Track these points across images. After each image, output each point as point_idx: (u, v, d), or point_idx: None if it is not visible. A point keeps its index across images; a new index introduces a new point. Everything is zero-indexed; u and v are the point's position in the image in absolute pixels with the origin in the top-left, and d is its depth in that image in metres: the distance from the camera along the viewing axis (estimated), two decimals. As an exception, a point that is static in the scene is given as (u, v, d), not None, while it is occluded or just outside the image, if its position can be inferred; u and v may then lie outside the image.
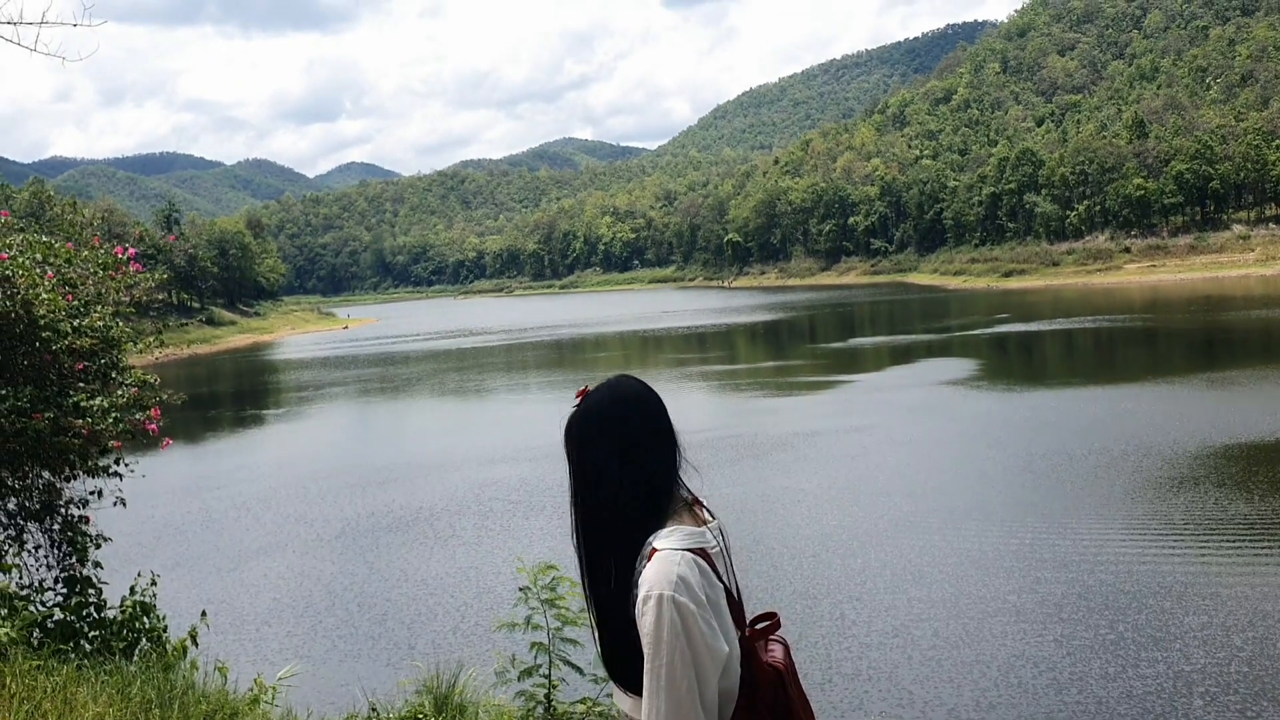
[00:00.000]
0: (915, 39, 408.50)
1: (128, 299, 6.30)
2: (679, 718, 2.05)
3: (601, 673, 6.06)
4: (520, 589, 5.68)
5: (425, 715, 5.33)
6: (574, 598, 5.85)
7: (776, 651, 2.19)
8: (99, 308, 6.11)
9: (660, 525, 2.18)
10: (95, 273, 6.23)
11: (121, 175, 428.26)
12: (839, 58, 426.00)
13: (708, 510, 2.30)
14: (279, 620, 15.98)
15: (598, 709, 5.92)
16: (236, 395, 57.11)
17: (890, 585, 15.61)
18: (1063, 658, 12.58)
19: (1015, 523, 18.31)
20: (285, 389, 57.56)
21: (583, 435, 2.28)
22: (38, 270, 5.82)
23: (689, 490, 2.27)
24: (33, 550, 6.27)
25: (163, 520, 22.84)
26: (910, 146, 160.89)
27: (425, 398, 47.19)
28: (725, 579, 2.18)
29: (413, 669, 6.16)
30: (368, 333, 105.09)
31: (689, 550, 2.12)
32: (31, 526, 6.20)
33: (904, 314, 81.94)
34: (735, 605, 2.19)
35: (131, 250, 6.32)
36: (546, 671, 5.93)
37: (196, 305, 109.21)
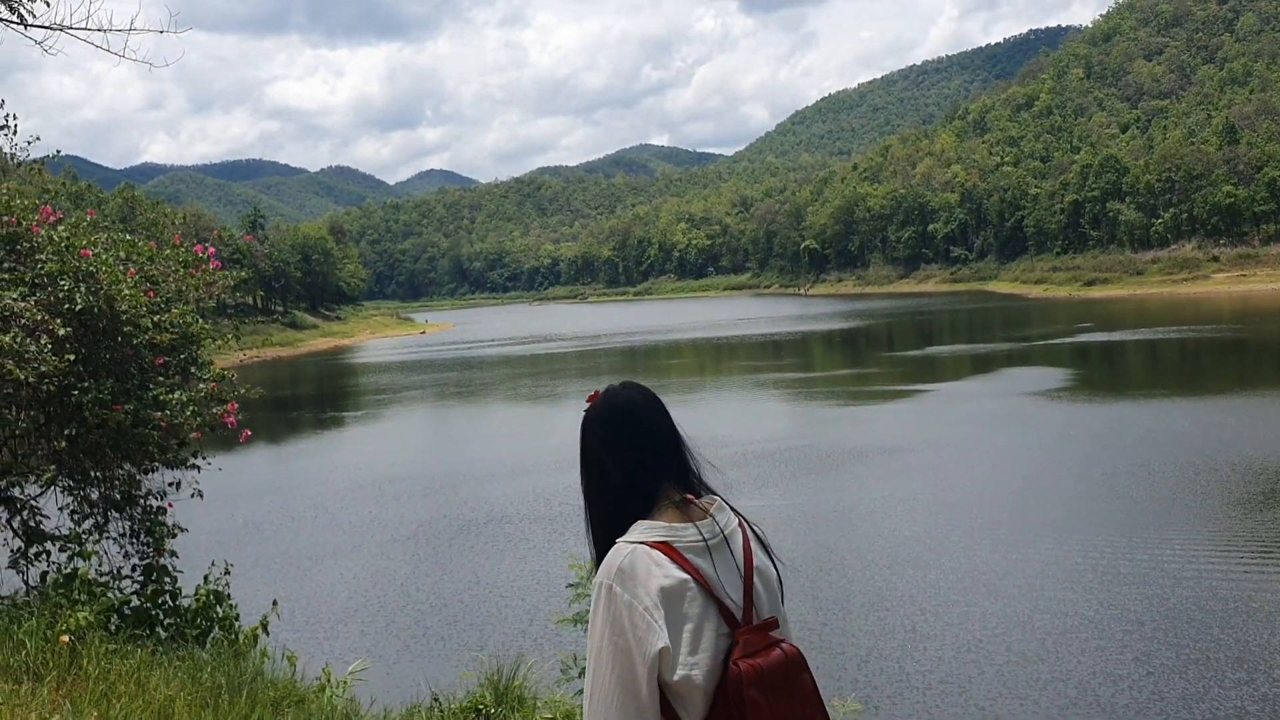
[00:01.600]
0: (997, 44, 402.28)
1: (206, 296, 6.46)
2: (603, 704, 2.10)
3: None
4: (568, 585, 5.68)
5: (485, 706, 5.36)
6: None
7: (765, 655, 2.16)
8: (179, 304, 6.28)
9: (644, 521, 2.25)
10: (176, 270, 6.41)
11: (210, 181, 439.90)
12: (919, 63, 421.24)
13: (704, 507, 2.30)
14: (351, 617, 16.24)
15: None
16: (317, 397, 58.20)
17: (963, 598, 15.33)
18: (1143, 677, 12.23)
19: (1094, 537, 17.86)
20: (364, 392, 58.54)
21: (580, 439, 2.36)
22: (120, 267, 6.00)
23: (680, 490, 2.30)
24: (116, 538, 6.47)
25: (243, 517, 23.36)
26: (991, 153, 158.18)
27: (499, 403, 47.65)
28: (710, 572, 2.19)
29: (475, 662, 6.21)
30: (444, 338, 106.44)
31: (646, 543, 2.16)
32: (113, 515, 6.40)
33: (983, 322, 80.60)
34: (727, 602, 2.19)
35: (211, 249, 6.49)
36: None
37: (280, 309, 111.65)
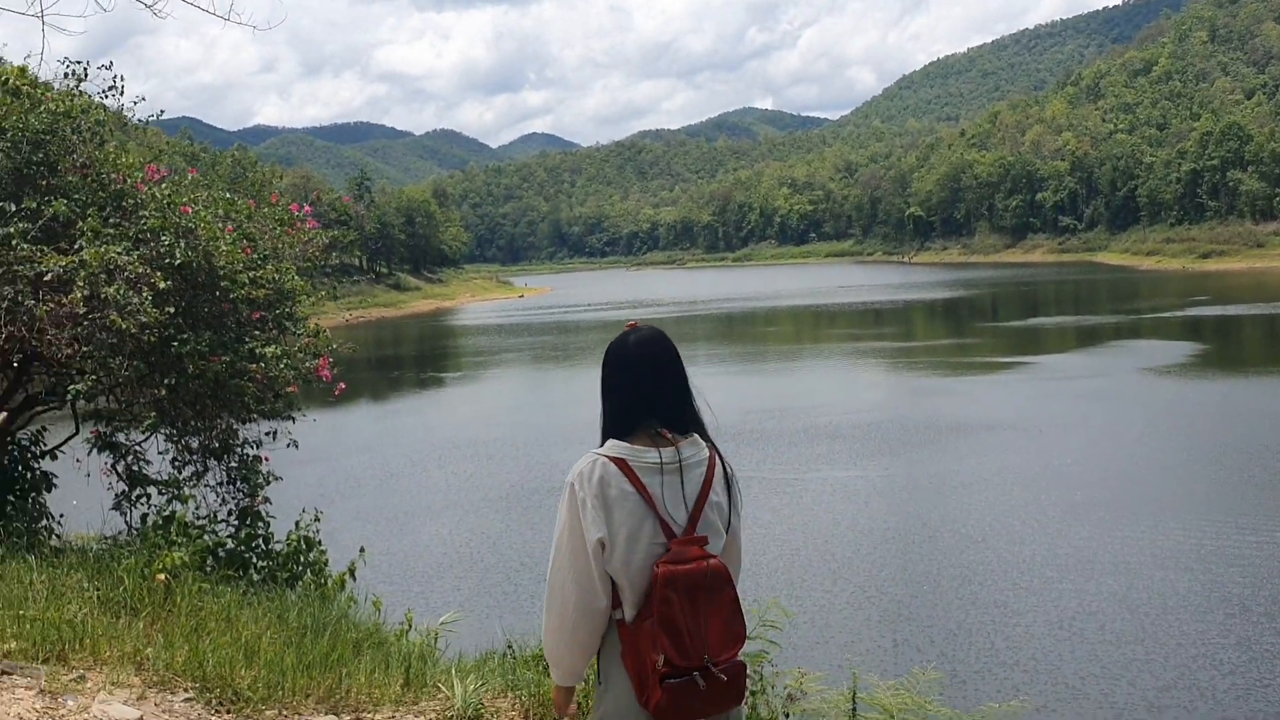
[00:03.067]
0: (1114, 7, 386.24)
1: (301, 254, 6.65)
2: (558, 571, 2.62)
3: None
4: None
5: None
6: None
7: (688, 565, 2.55)
8: (275, 261, 6.47)
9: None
10: (273, 228, 6.60)
11: (319, 144, 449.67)
12: (1032, 27, 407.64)
13: (673, 440, 2.67)
14: (447, 571, 16.67)
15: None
16: (419, 358, 59.38)
17: (1057, 575, 15.04)
18: (1246, 662, 11.86)
19: (1198, 517, 17.31)
20: (463, 353, 59.58)
21: (602, 363, 2.84)
22: (219, 224, 6.21)
23: (662, 425, 2.68)
24: (214, 485, 6.76)
25: (344, 472, 24.07)
26: (1104, 120, 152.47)
27: (594, 366, 47.96)
28: (656, 491, 2.61)
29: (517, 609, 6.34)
30: (542, 301, 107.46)
31: (609, 457, 2.63)
32: (211, 463, 6.67)
33: (1091, 294, 78.23)
34: (665, 516, 2.60)
35: (308, 208, 6.67)
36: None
37: (385, 271, 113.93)
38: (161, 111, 7.05)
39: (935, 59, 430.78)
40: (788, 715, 5.14)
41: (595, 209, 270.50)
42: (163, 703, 3.93)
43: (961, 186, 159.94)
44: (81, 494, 7.45)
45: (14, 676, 3.91)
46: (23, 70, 7.01)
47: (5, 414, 6.53)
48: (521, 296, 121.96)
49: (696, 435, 2.72)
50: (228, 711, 3.99)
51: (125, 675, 4.09)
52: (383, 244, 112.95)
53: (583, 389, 39.57)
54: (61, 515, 7.31)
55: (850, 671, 6.46)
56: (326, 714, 4.06)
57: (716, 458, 2.72)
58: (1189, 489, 19.34)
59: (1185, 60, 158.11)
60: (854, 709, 6.27)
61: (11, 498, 6.84)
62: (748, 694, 5.44)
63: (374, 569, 14.53)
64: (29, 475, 6.85)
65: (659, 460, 2.62)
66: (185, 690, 4.06)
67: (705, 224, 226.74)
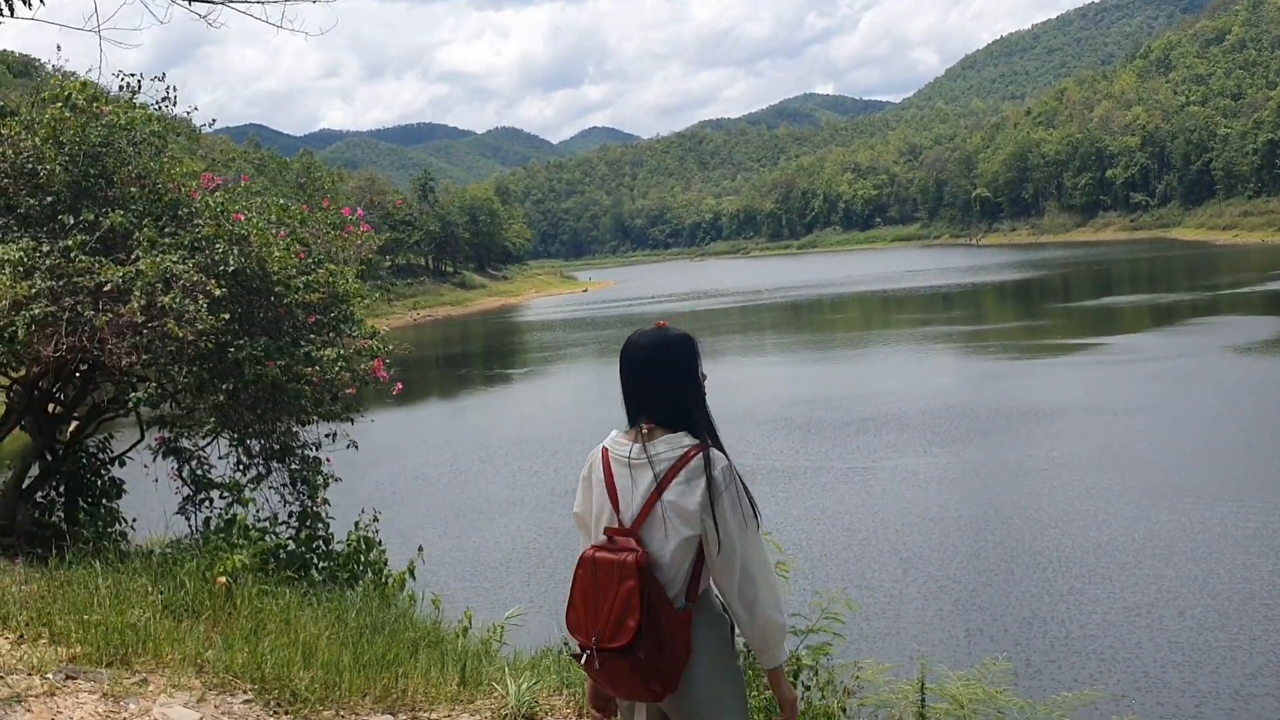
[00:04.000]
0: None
1: (355, 256, 6.72)
2: (580, 524, 2.96)
3: (800, 623, 6.05)
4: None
5: None
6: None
7: (609, 552, 2.72)
8: (329, 264, 6.54)
9: None
10: (326, 232, 6.67)
11: (384, 146, 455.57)
12: (1097, 1, 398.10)
13: (650, 436, 2.81)
14: (515, 567, 16.75)
15: (798, 659, 5.89)
16: (485, 354, 59.86)
17: (1134, 561, 14.68)
18: (1336, 648, 11.46)
19: (1281, 500, 16.78)
20: (529, 349, 59.93)
21: None
22: (271, 230, 6.29)
23: (653, 421, 2.83)
24: (277, 488, 6.86)
25: (412, 471, 24.35)
26: (1176, 92, 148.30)
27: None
28: (621, 481, 2.80)
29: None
30: (606, 295, 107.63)
31: (604, 445, 2.91)
32: (275, 466, 6.77)
33: (1166, 271, 76.26)
34: (620, 505, 2.79)
35: (360, 211, 6.73)
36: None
37: (450, 269, 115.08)
38: (214, 120, 7.15)
39: (998, 37, 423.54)
40: (845, 710, 5.06)
41: (657, 201, 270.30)
42: (222, 705, 3.99)
43: (1029, 166, 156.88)
44: (152, 500, 7.62)
45: (78, 680, 4.00)
46: (85, 85, 7.17)
47: (75, 423, 6.71)
48: (585, 291, 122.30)
49: (683, 433, 2.79)
50: (285, 712, 4.04)
51: (186, 678, 4.16)
52: (447, 243, 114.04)
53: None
54: (134, 520, 7.48)
55: (919, 662, 6.37)
56: (383, 714, 4.09)
57: (698, 458, 2.73)
58: (1270, 471, 18.74)
59: (1260, 27, 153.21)
60: (922, 700, 6.18)
61: (85, 504, 7.02)
62: (806, 692, 5.40)
63: (441, 566, 14.69)
64: (98, 482, 7.02)
65: (627, 454, 2.80)
66: (244, 692, 4.12)
67: (768, 212, 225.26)
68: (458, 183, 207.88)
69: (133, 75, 7.01)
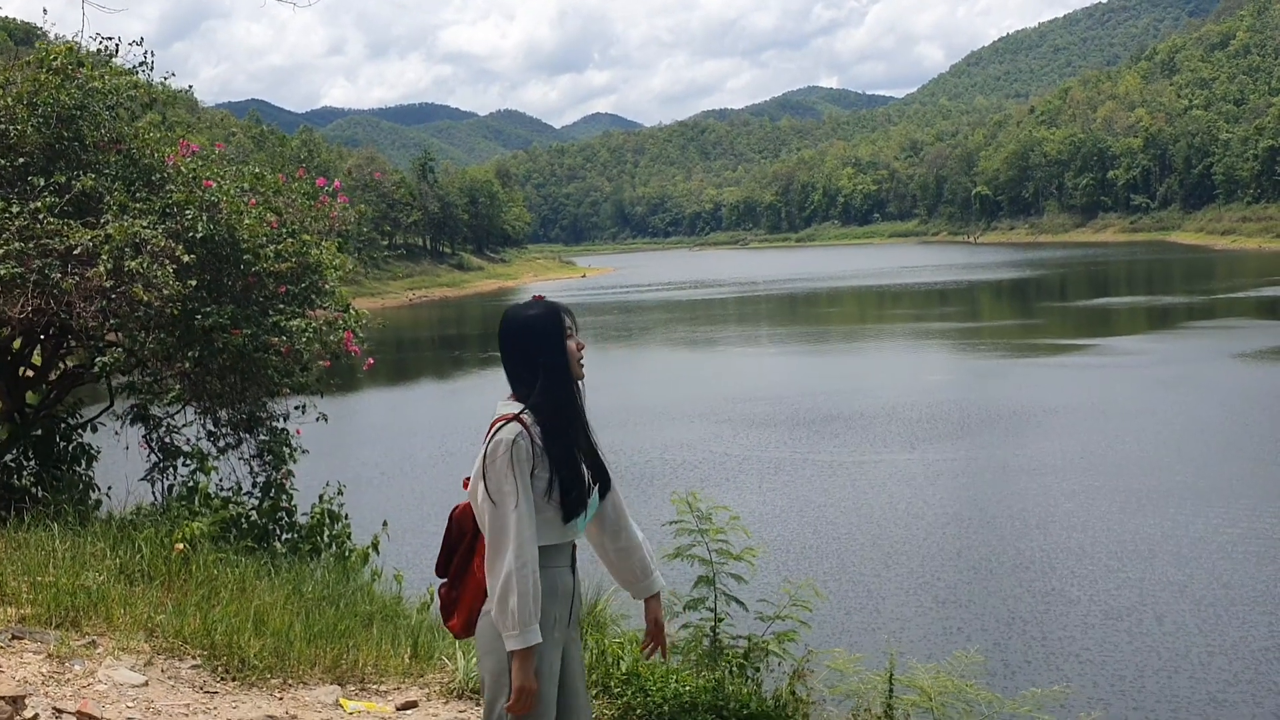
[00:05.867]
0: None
1: (328, 228, 6.66)
2: None
3: (768, 610, 6.07)
4: (667, 523, 5.70)
5: None
6: (734, 532, 5.83)
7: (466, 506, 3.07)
8: (304, 235, 6.49)
9: None
10: (300, 202, 6.62)
11: (385, 125, 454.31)
12: (1105, 1, 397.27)
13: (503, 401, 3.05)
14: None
15: (763, 645, 5.89)
16: (482, 337, 59.69)
17: (1116, 564, 14.66)
18: (1318, 655, 11.45)
19: (1269, 506, 16.77)
20: (524, 332, 59.65)
21: None
22: (242, 198, 6.24)
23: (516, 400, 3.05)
24: (246, 458, 6.82)
25: (402, 450, 24.28)
26: (1179, 96, 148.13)
27: (655, 346, 47.93)
28: None
29: None
30: (604, 281, 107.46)
31: None
32: (243, 435, 6.73)
33: (1164, 274, 76.27)
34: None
35: (337, 183, 6.67)
36: (712, 605, 5.94)
37: (448, 250, 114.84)
38: (190, 86, 7.08)
39: (1005, 34, 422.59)
40: (794, 692, 5.07)
41: (658, 189, 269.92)
42: (169, 669, 3.97)
43: (1030, 165, 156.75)
44: (125, 468, 7.58)
45: (24, 640, 3.98)
46: (70, 49, 7.11)
47: (45, 388, 6.66)
48: (584, 276, 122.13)
49: (515, 403, 3.02)
50: (233, 679, 4.02)
51: (135, 642, 4.13)
52: (446, 224, 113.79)
53: (644, 369, 39.52)
54: (109, 488, 7.44)
55: (887, 653, 6.36)
56: (331, 684, 4.07)
57: (494, 428, 2.95)
58: (1260, 476, 18.76)
59: (1264, 34, 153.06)
60: (890, 690, 6.20)
61: (55, 469, 6.97)
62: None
63: (421, 545, 14.65)
64: (68, 447, 6.97)
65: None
66: (193, 657, 4.10)
67: (768, 204, 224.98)
68: (458, 164, 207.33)
69: (110, 39, 6.96)
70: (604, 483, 3.10)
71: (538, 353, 3.01)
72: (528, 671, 2.82)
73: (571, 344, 3.07)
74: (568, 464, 2.94)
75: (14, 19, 75.86)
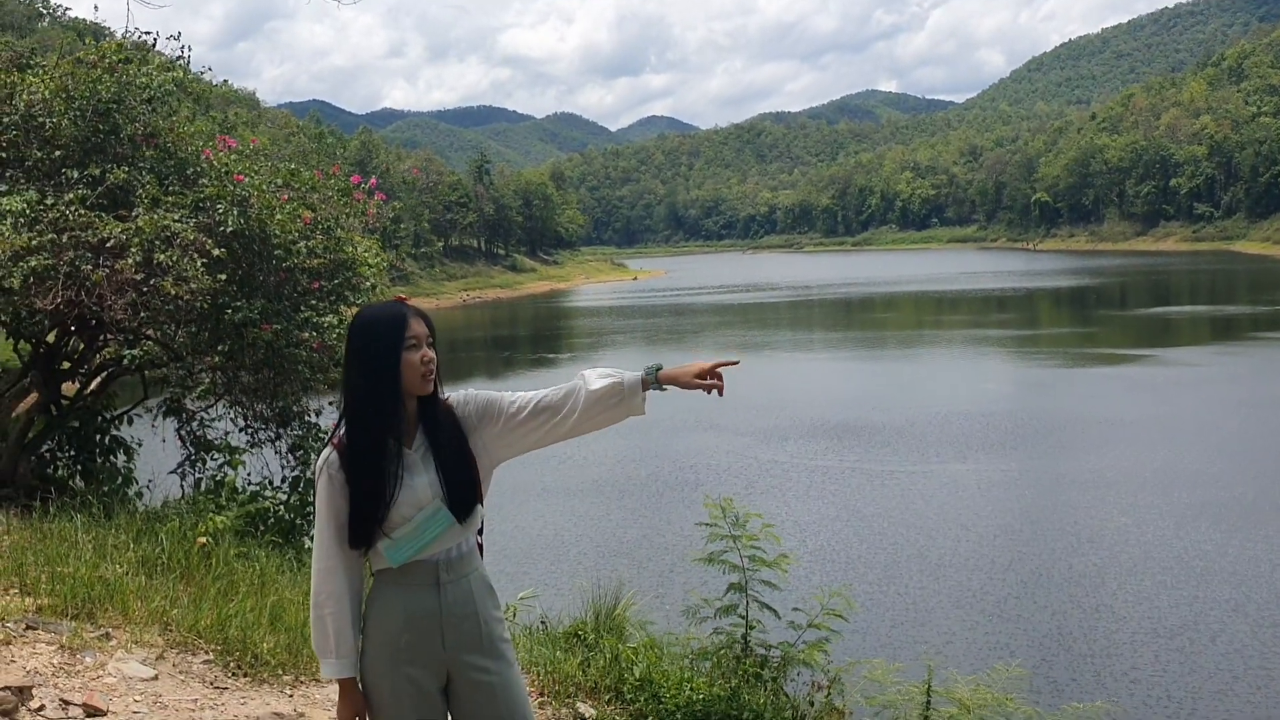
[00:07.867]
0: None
1: (362, 225, 6.65)
2: None
3: (801, 619, 5.97)
4: (698, 524, 5.61)
5: (585, 632, 5.49)
6: (766, 538, 5.73)
7: None
8: (340, 231, 6.48)
9: None
10: (335, 198, 6.61)
11: (443, 127, 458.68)
12: (1171, 6, 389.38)
13: None
14: (537, 553, 16.69)
15: (796, 654, 5.79)
16: (533, 338, 59.97)
17: (1171, 581, 14.28)
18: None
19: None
20: (577, 334, 59.96)
21: None
22: (274, 193, 6.24)
23: None
24: (282, 453, 6.83)
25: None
26: (1247, 102, 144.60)
27: (705, 348, 47.74)
28: None
29: (585, 593, 6.31)
30: (656, 284, 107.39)
31: None
32: (278, 430, 6.74)
33: (1228, 284, 74.53)
34: None
35: (373, 180, 6.66)
36: (744, 612, 5.87)
37: (502, 252, 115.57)
38: (225, 80, 7.12)
39: (1067, 40, 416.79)
40: (813, 704, 4.96)
41: (712, 192, 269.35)
42: (181, 663, 3.94)
43: (1090, 172, 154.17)
44: (163, 460, 7.63)
45: (38, 631, 3.97)
46: (120, 46, 7.18)
47: (96, 381, 6.71)
48: (635, 279, 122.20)
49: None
50: (244, 674, 3.99)
51: (150, 635, 4.12)
52: (500, 226, 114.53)
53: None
54: (150, 481, 7.49)
55: (926, 664, 6.22)
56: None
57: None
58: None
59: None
60: (928, 702, 6.07)
61: (93, 461, 7.03)
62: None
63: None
64: (104, 439, 7.03)
65: None
66: (206, 652, 4.08)
67: (824, 208, 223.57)
68: (514, 166, 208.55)
69: (148, 33, 7.02)
70: (462, 502, 2.78)
71: (366, 360, 2.64)
72: (345, 704, 2.63)
73: (415, 355, 2.67)
74: (371, 494, 2.60)
75: (84, 19, 77.67)
